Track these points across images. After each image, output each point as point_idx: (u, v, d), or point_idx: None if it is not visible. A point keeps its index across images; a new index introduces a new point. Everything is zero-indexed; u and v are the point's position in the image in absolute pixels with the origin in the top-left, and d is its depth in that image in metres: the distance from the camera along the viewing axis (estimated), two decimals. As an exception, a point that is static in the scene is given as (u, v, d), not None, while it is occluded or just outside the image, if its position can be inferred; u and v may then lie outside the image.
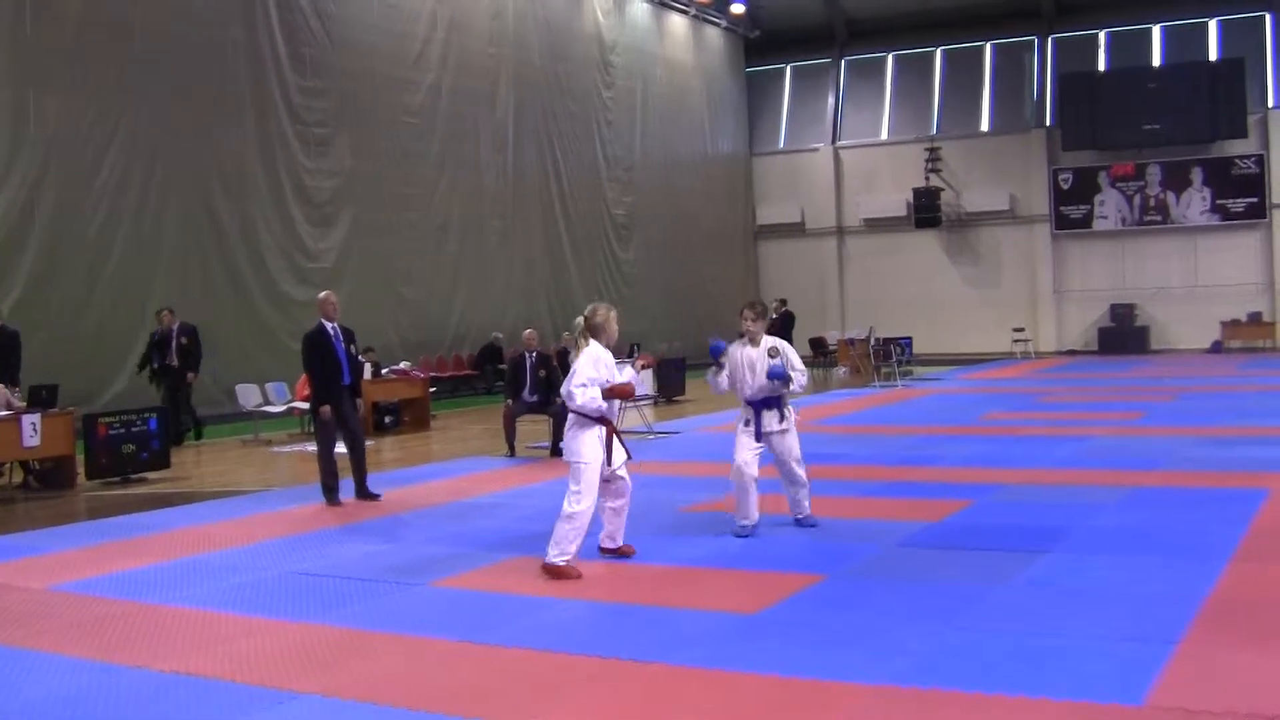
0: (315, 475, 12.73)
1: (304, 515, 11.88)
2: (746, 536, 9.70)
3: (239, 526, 11.33)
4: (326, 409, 12.41)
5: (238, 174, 23.74)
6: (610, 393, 8.84)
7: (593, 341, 9.04)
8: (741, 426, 10.00)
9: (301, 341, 12.86)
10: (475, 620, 7.49)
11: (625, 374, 9.40)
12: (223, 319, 23.15)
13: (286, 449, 18.48)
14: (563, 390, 9.00)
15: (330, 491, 12.47)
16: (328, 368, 12.47)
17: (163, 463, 15.45)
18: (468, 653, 6.82)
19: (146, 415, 15.41)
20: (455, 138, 29.40)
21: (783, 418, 9.90)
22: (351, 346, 12.72)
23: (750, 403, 9.92)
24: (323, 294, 12.93)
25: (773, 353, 9.80)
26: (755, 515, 9.81)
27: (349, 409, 12.64)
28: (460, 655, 6.78)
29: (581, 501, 8.63)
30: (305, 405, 19.93)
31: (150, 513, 12.46)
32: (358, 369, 12.98)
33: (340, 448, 12.65)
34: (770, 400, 9.88)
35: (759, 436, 9.87)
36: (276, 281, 24.45)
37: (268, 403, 20.48)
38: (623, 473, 9.04)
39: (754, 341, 9.91)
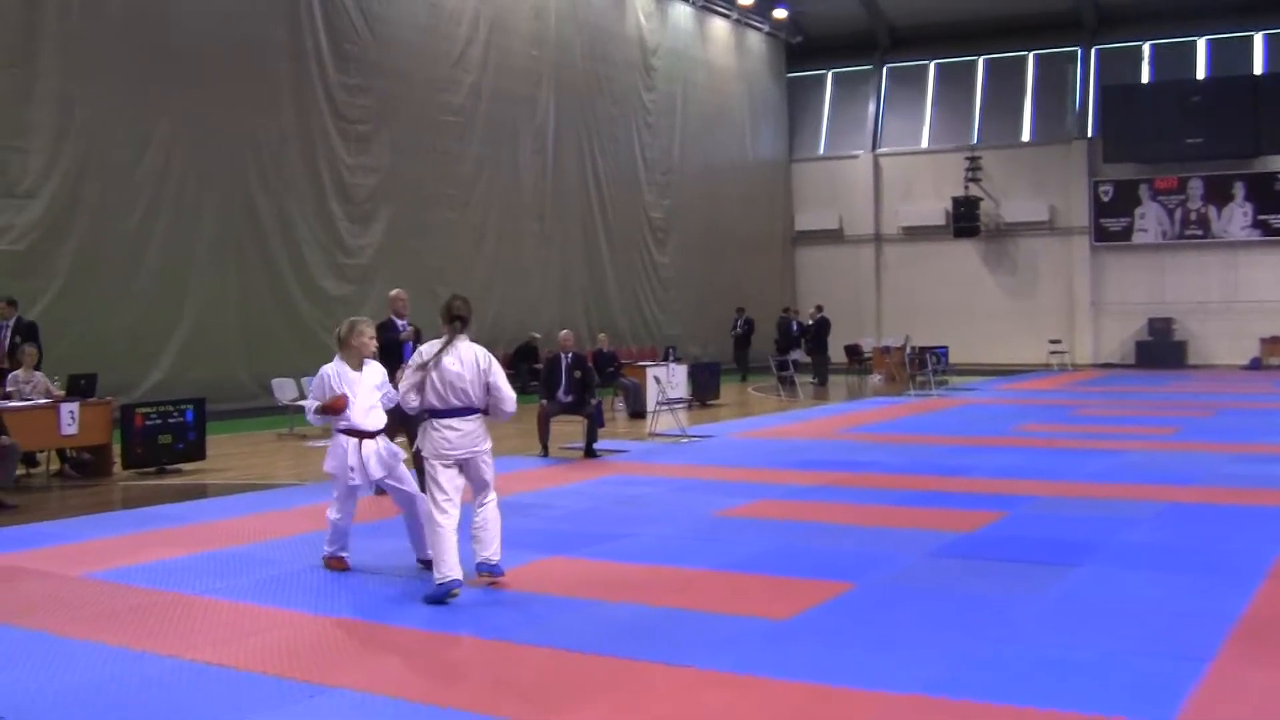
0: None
1: (337, 510, 11.91)
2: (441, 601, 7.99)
3: (272, 519, 11.40)
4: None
5: (277, 169, 23.86)
6: (325, 409, 8.79)
7: (336, 356, 9.04)
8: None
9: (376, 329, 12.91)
10: (505, 619, 7.51)
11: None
12: (259, 313, 23.33)
13: (320, 443, 18.52)
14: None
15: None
16: (389, 359, 12.11)
17: (198, 454, 15.54)
18: (497, 650, 6.84)
19: (183, 407, 15.51)
20: (495, 138, 29.47)
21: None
22: (416, 345, 12.72)
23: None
24: (393, 291, 13.06)
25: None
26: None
27: None
28: (490, 653, 6.80)
29: (333, 511, 8.95)
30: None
31: (184, 504, 12.56)
32: None
33: None
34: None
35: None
36: (314, 277, 24.56)
37: (303, 397, 20.53)
38: (401, 484, 8.94)
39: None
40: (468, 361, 8.32)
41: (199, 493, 13.45)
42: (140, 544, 10.16)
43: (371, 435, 8.88)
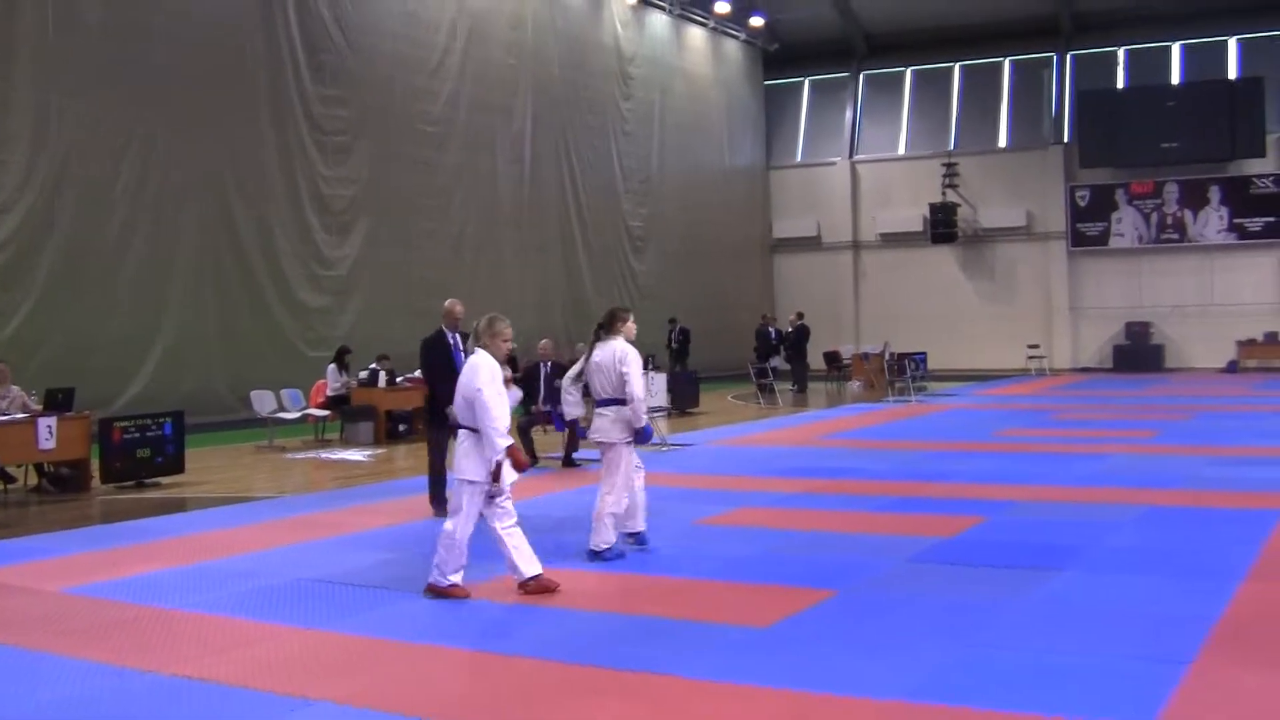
0: (328, 483, 12.68)
1: (317, 522, 11.88)
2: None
3: (252, 532, 11.36)
4: (452, 409, 10.04)
5: (255, 181, 23.79)
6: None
7: (478, 348, 8.59)
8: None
9: (420, 346, 12.45)
10: (488, 630, 7.51)
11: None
12: (238, 325, 23.25)
13: (300, 455, 18.51)
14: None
15: (440, 502, 11.74)
16: (445, 373, 11.51)
17: (177, 468, 15.48)
18: (479, 662, 6.83)
19: (161, 420, 15.44)
20: (473, 148, 29.43)
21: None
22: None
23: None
24: (448, 302, 12.45)
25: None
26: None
27: None
28: (472, 665, 6.80)
29: (508, 521, 8.54)
30: (319, 412, 20.08)
31: (164, 517, 12.49)
32: None
33: None
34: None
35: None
36: (293, 289, 24.50)
37: (282, 409, 20.50)
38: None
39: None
40: (606, 356, 9.81)
41: (178, 506, 13.38)
42: (120, 558, 10.12)
43: None
